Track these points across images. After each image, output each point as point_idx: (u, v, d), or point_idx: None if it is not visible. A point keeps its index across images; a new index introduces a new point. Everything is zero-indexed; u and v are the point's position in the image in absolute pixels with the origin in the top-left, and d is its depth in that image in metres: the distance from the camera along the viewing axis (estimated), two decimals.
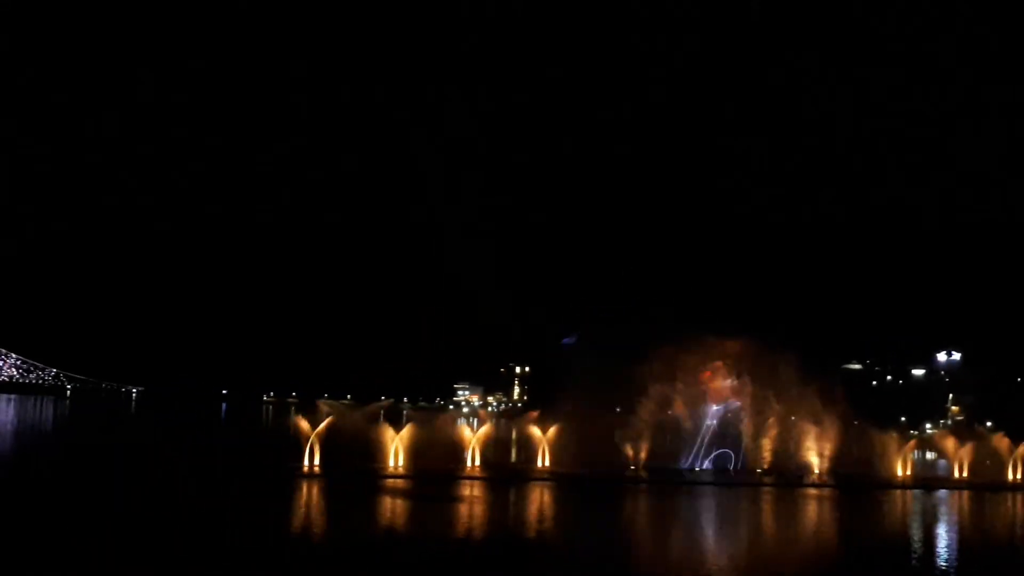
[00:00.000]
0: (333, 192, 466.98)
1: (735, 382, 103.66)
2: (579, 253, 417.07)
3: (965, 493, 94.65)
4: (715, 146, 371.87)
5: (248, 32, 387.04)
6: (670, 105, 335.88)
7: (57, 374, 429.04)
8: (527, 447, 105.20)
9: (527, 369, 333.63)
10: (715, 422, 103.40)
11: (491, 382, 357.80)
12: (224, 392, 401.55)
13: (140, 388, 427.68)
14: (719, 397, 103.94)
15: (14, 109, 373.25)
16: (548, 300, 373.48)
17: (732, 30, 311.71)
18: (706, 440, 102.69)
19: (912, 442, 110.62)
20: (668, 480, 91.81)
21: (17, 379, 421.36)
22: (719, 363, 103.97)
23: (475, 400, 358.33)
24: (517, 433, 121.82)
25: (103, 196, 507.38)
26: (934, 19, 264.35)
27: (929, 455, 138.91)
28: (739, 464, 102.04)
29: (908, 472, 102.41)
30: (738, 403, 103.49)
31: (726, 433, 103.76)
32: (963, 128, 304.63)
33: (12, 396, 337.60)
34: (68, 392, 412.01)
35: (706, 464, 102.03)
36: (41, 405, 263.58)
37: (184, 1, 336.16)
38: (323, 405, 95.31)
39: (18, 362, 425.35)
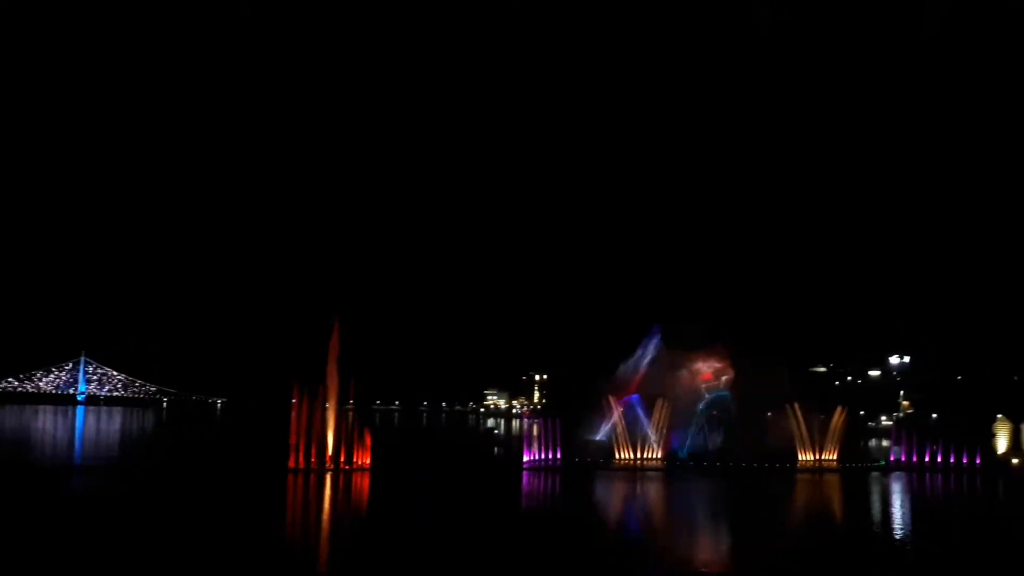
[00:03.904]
0: (332, 195, 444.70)
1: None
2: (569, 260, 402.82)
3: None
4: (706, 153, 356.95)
5: (247, 32, 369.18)
6: (671, 110, 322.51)
7: (156, 390, 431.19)
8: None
9: (545, 377, 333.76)
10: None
11: (515, 387, 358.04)
12: (292, 401, 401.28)
13: (224, 399, 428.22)
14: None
15: (12, 109, 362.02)
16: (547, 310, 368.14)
17: (732, 33, 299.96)
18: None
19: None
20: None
21: (120, 394, 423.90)
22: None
23: (502, 404, 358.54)
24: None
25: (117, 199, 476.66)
26: (934, 18, 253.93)
27: (885, 442, 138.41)
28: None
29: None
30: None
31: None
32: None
33: (118, 408, 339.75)
34: (164, 404, 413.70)
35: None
36: (143, 416, 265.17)
37: (184, 1, 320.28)
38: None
39: (120, 379, 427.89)
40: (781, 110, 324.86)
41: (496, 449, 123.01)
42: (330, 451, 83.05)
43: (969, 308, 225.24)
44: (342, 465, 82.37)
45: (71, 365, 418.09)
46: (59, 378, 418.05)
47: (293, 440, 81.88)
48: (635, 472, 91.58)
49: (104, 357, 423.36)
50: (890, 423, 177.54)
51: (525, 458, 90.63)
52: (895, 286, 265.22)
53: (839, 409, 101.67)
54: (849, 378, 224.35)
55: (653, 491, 79.10)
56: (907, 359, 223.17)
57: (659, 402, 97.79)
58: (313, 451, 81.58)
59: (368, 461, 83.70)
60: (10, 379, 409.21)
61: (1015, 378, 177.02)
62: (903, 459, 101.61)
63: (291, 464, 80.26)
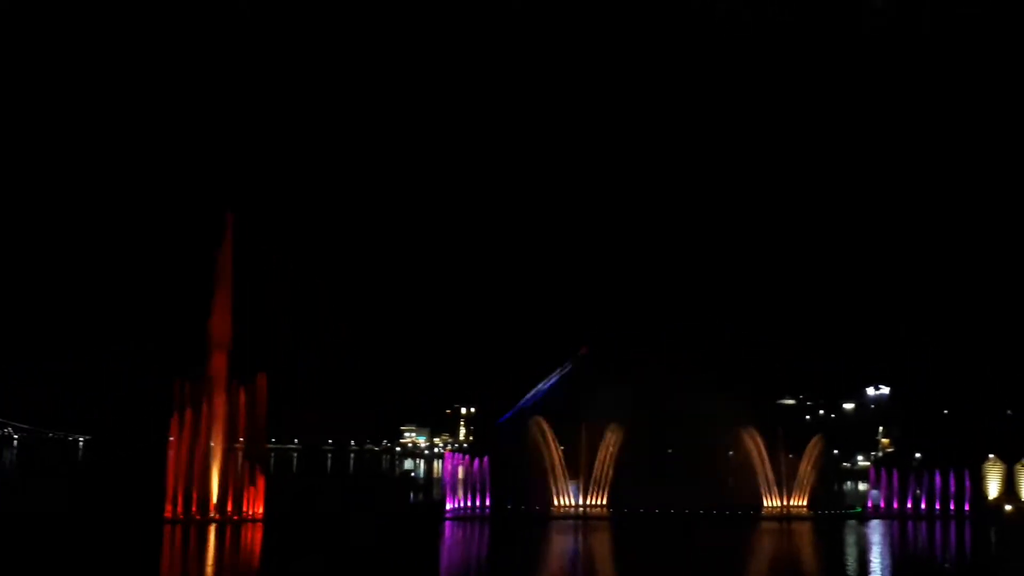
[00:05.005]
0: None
1: None
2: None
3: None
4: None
5: (247, 31, 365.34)
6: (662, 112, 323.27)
7: (2, 424, 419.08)
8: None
9: (472, 410, 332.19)
10: None
11: (437, 423, 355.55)
12: (171, 439, 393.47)
13: (87, 437, 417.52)
14: None
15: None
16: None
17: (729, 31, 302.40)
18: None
19: None
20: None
21: None
22: None
23: (422, 442, 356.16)
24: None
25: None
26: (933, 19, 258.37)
27: (862, 485, 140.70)
28: None
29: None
30: None
31: None
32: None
33: None
34: (15, 442, 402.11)
35: None
36: None
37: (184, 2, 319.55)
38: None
39: None
40: (748, 125, 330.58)
41: (413, 495, 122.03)
42: (214, 498, 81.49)
43: (956, 333, 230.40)
44: (229, 515, 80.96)
45: None
46: None
47: (171, 484, 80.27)
48: (577, 521, 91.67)
49: None
50: (867, 464, 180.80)
51: (448, 506, 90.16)
52: (873, 307, 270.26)
53: (816, 438, 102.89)
54: (821, 412, 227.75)
55: (597, 546, 79.44)
56: (886, 390, 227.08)
57: (607, 435, 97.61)
58: (194, 497, 79.99)
59: (260, 510, 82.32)
60: None
61: (1008, 412, 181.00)
62: (882, 505, 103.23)
63: (168, 514, 78.54)
